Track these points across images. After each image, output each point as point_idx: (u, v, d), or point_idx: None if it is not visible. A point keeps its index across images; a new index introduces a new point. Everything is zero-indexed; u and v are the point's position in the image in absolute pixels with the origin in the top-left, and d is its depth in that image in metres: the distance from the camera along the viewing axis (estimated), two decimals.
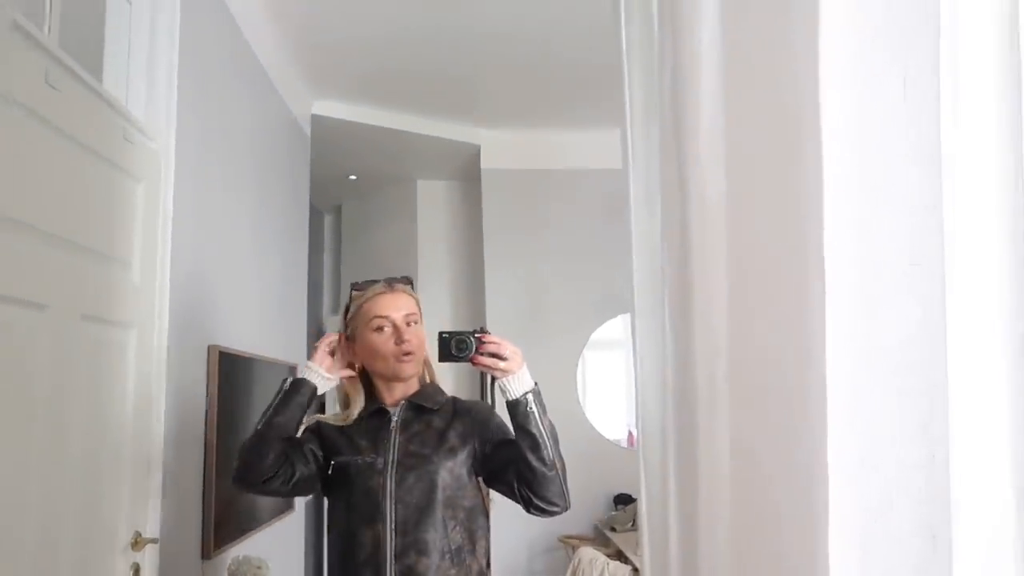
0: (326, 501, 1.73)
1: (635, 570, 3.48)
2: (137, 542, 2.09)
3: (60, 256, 1.73)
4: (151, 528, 2.17)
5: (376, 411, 1.69)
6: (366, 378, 1.75)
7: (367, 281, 1.73)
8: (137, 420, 2.11)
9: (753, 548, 0.87)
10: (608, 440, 4.68)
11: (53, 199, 1.69)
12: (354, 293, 1.72)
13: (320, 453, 1.69)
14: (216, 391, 2.66)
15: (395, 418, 1.68)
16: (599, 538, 4.39)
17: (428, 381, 1.76)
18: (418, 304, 1.74)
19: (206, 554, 2.61)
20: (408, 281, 1.76)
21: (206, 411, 2.64)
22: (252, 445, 1.64)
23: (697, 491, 0.94)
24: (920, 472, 0.76)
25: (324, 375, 1.67)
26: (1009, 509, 0.78)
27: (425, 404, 1.69)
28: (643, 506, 1.27)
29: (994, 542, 0.77)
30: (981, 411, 0.77)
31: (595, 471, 4.45)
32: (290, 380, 1.69)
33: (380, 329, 1.66)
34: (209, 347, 2.67)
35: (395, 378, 1.68)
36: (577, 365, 4.72)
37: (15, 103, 1.53)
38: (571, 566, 3.66)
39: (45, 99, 1.64)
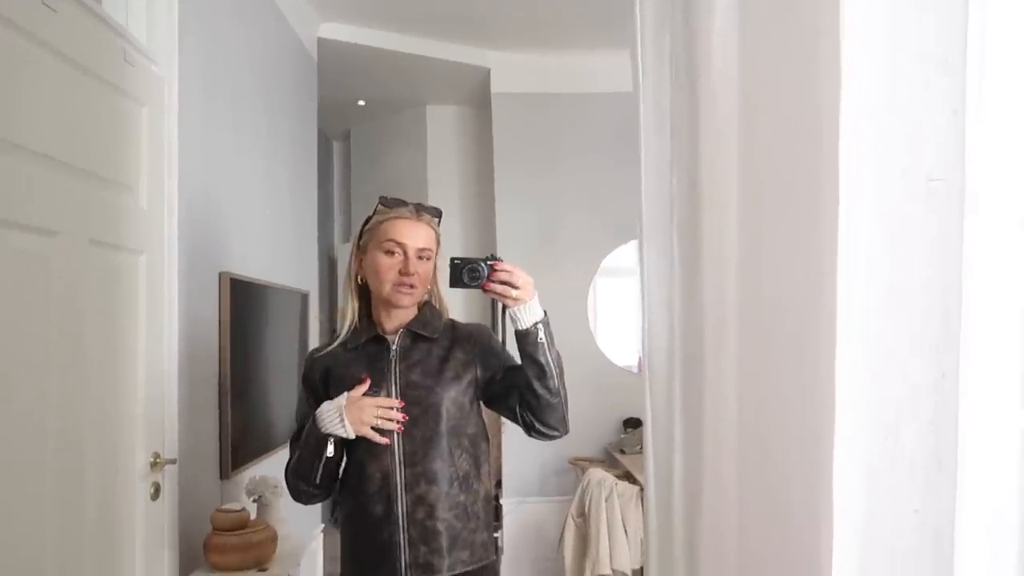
0: None
1: (643, 491, 3.55)
2: (156, 463, 2.15)
3: (66, 181, 1.72)
4: (169, 450, 2.22)
5: (374, 338, 1.69)
6: (366, 297, 1.73)
7: (396, 200, 1.68)
8: (150, 345, 2.14)
9: (758, 472, 0.88)
10: (618, 366, 4.71)
11: (54, 123, 1.67)
12: (379, 207, 1.68)
13: (317, 400, 1.68)
14: (228, 317, 2.68)
15: (394, 347, 1.67)
16: (608, 460, 4.48)
17: (434, 306, 1.74)
18: (438, 240, 1.70)
19: (224, 474, 2.68)
20: (437, 213, 1.72)
21: (219, 337, 2.66)
22: (318, 492, 1.68)
23: (702, 414, 0.94)
24: (929, 393, 0.75)
25: (349, 430, 1.58)
26: (1016, 432, 0.77)
27: (423, 332, 1.68)
28: (648, 431, 1.28)
29: (1000, 465, 0.77)
30: (994, 333, 0.76)
31: (605, 395, 4.51)
32: (331, 445, 1.59)
33: (390, 253, 1.63)
34: (220, 274, 2.68)
35: (389, 304, 1.67)
36: (588, 291, 4.72)
37: (11, 24, 1.50)
38: (580, 487, 3.74)
39: (42, 19, 1.60)
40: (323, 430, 1.58)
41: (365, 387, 1.60)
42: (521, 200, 4.69)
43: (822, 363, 0.79)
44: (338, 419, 1.57)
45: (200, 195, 2.53)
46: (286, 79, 3.67)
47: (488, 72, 4.66)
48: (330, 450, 1.58)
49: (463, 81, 4.84)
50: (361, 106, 5.30)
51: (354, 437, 1.57)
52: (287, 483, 1.72)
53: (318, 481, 1.63)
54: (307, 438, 1.62)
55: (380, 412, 1.57)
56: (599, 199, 4.64)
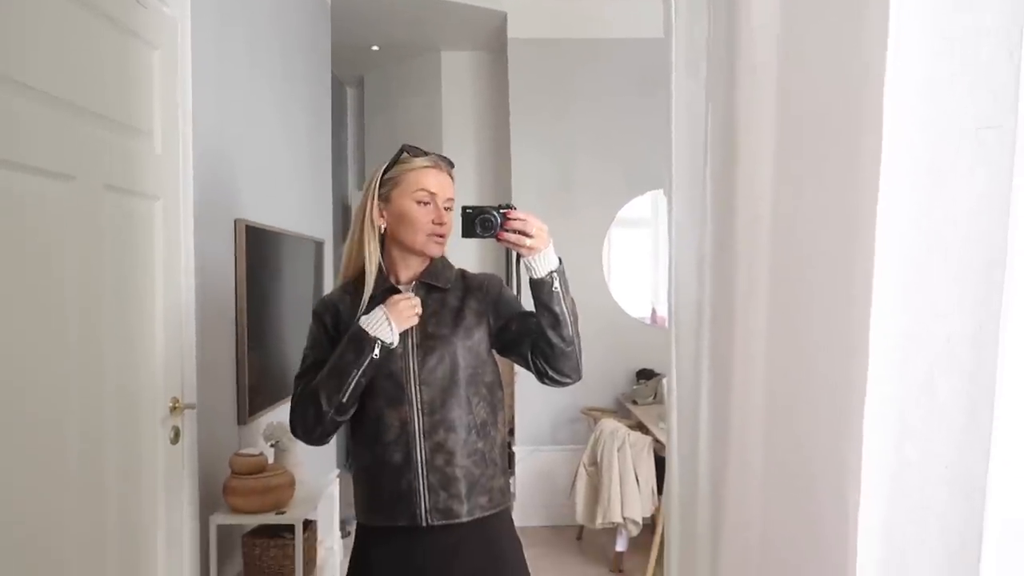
0: None
1: (655, 441, 3.58)
2: (176, 407, 2.17)
3: (80, 125, 1.70)
4: (188, 395, 2.24)
5: (388, 290, 1.67)
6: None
7: (421, 149, 1.68)
8: (168, 291, 2.14)
9: (786, 425, 0.87)
10: (632, 317, 4.71)
11: (66, 65, 1.64)
12: (404, 156, 1.66)
13: (330, 350, 1.64)
14: (245, 264, 2.68)
15: None
16: (620, 411, 4.50)
17: (444, 257, 1.73)
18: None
19: (242, 420, 2.72)
20: (452, 165, 1.72)
21: (235, 284, 2.67)
22: (335, 418, 1.59)
23: (731, 369, 0.92)
24: (967, 345, 0.73)
25: (395, 332, 1.58)
26: None
27: (436, 283, 1.67)
28: (673, 384, 1.26)
29: None
30: None
31: (618, 347, 4.52)
32: (378, 348, 1.56)
33: (423, 203, 1.62)
34: (236, 221, 2.67)
35: (420, 254, 1.66)
36: (604, 242, 4.69)
37: None
38: (593, 436, 3.77)
39: None
40: (372, 333, 1.56)
41: (406, 296, 1.59)
42: (536, 148, 4.63)
43: (856, 316, 0.77)
44: (385, 323, 1.56)
45: (215, 141, 2.50)
46: (300, 23, 3.60)
47: (504, 16, 4.56)
48: (376, 352, 1.56)
49: (479, 26, 4.74)
50: (375, 51, 5.20)
51: (397, 342, 1.57)
52: (298, 415, 1.64)
53: (346, 398, 1.57)
54: (347, 346, 1.58)
55: (417, 310, 1.59)
56: (615, 148, 4.58)
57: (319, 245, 3.79)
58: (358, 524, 1.73)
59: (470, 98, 5.20)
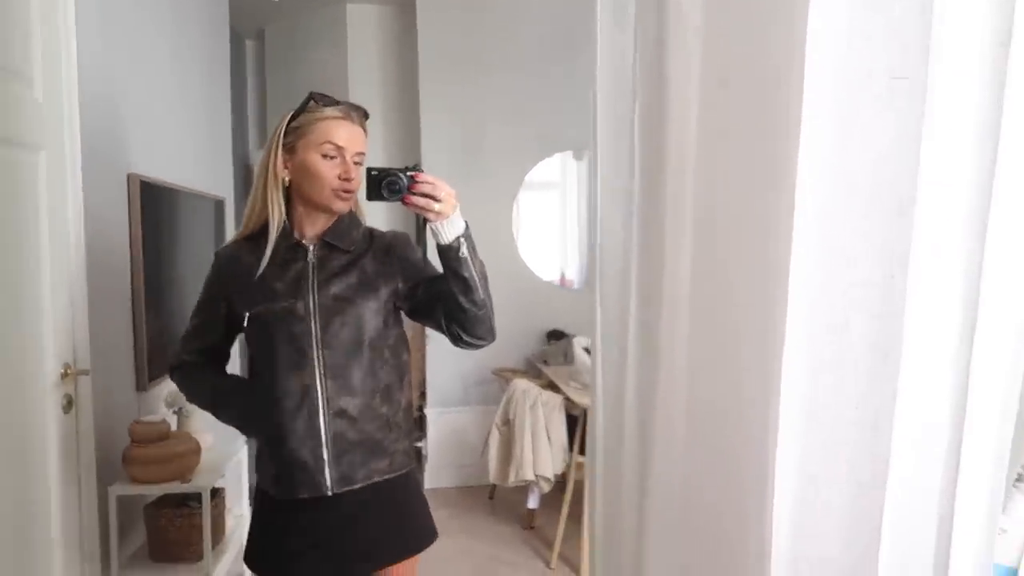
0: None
1: (566, 399, 3.64)
2: (67, 374, 2.04)
3: None
4: (81, 360, 2.11)
5: (290, 247, 1.60)
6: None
7: (329, 97, 1.58)
8: (55, 250, 2.00)
9: (711, 370, 0.89)
10: (542, 279, 4.75)
11: None
12: (311, 104, 1.57)
13: (226, 306, 1.63)
14: (139, 222, 2.53)
15: (311, 257, 1.59)
16: (531, 371, 4.56)
17: (353, 213, 1.66)
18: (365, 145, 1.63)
19: (141, 386, 2.59)
20: (367, 115, 1.63)
21: (130, 242, 2.52)
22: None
23: (660, 312, 0.93)
24: (877, 291, 0.76)
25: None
26: (954, 326, 0.80)
27: (339, 244, 1.61)
28: (597, 343, 1.27)
29: (938, 358, 0.79)
30: (941, 233, 0.77)
31: (529, 309, 4.55)
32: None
33: (328, 156, 1.54)
34: (129, 175, 2.51)
35: (325, 210, 1.59)
36: (513, 204, 4.69)
37: None
38: (506, 395, 3.80)
39: None
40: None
41: None
42: (446, 107, 4.55)
43: (777, 263, 0.79)
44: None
45: (103, 89, 2.33)
46: None
47: None
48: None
49: None
50: (276, 1, 4.97)
51: None
52: (181, 390, 1.78)
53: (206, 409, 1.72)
54: (232, 412, 1.66)
55: None
56: (526, 110, 4.55)
57: (219, 204, 3.63)
58: (258, 489, 1.67)
59: (377, 54, 5.05)
